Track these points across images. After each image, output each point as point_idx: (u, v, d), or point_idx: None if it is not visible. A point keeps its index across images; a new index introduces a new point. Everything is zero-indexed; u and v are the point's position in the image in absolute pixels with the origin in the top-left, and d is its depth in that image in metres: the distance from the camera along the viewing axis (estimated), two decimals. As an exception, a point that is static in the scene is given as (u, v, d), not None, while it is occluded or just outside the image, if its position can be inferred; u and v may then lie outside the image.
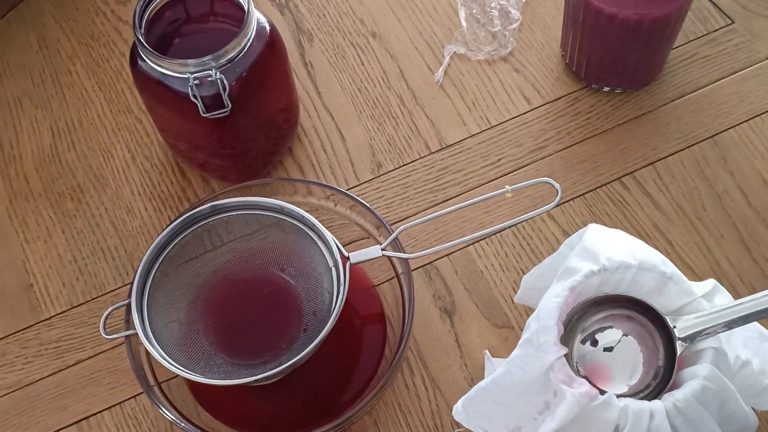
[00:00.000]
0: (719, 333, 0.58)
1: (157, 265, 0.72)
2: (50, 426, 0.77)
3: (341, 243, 0.73)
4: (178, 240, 0.74)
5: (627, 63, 0.87)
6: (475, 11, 1.01)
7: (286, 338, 0.74)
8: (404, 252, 0.73)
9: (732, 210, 0.83)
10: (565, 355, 0.57)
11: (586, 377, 0.60)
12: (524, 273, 0.73)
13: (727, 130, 0.88)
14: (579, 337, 0.61)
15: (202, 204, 0.75)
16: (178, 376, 0.75)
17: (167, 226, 0.74)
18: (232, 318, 0.77)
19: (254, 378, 0.67)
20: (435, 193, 0.87)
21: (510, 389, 0.59)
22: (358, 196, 0.79)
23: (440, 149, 0.90)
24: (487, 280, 0.82)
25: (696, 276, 0.79)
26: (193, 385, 0.76)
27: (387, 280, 0.80)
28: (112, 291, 0.84)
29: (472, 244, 0.83)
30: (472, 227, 0.85)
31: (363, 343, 0.78)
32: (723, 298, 0.61)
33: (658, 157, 0.87)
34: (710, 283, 0.62)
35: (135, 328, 0.69)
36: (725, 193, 0.85)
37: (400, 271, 0.76)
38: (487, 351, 0.76)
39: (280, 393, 0.75)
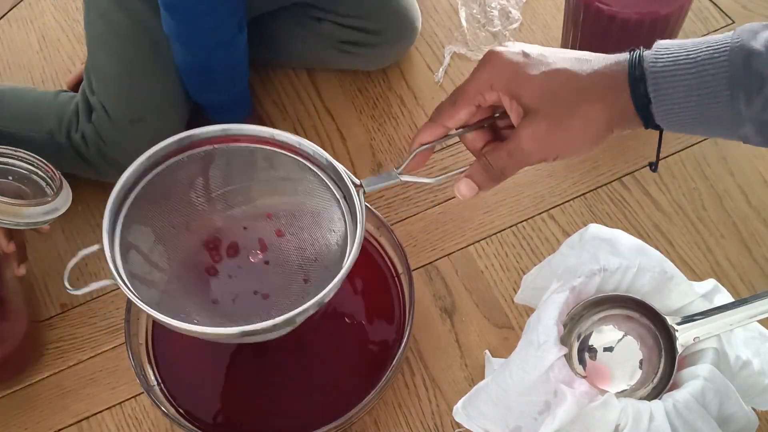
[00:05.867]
0: (720, 333, 0.58)
1: (128, 203, 0.60)
2: (50, 426, 0.77)
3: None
4: (148, 178, 0.60)
5: (627, 63, 0.87)
6: (475, 11, 1.01)
7: (278, 291, 0.65)
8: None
9: (732, 210, 0.83)
10: (565, 355, 0.57)
11: (586, 377, 0.60)
12: (524, 273, 0.73)
13: (727, 129, 0.88)
14: (579, 337, 0.61)
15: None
16: (177, 375, 0.75)
17: (138, 157, 0.60)
18: (218, 273, 0.67)
19: (251, 327, 0.55)
20: (435, 192, 0.87)
21: (510, 389, 0.59)
22: (358, 196, 0.79)
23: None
24: (487, 280, 0.82)
25: (696, 276, 0.79)
26: (196, 388, 0.75)
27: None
28: (112, 291, 0.84)
29: (473, 243, 0.83)
30: (473, 227, 0.84)
31: (368, 341, 0.77)
32: (723, 298, 0.61)
33: (659, 156, 0.87)
34: (710, 283, 0.62)
35: (114, 278, 0.58)
36: (726, 192, 0.84)
37: (400, 270, 0.76)
38: (487, 351, 0.76)
39: (281, 392, 0.75)
